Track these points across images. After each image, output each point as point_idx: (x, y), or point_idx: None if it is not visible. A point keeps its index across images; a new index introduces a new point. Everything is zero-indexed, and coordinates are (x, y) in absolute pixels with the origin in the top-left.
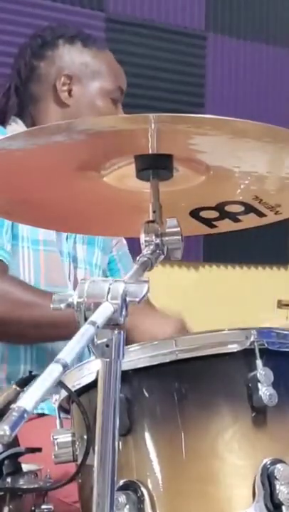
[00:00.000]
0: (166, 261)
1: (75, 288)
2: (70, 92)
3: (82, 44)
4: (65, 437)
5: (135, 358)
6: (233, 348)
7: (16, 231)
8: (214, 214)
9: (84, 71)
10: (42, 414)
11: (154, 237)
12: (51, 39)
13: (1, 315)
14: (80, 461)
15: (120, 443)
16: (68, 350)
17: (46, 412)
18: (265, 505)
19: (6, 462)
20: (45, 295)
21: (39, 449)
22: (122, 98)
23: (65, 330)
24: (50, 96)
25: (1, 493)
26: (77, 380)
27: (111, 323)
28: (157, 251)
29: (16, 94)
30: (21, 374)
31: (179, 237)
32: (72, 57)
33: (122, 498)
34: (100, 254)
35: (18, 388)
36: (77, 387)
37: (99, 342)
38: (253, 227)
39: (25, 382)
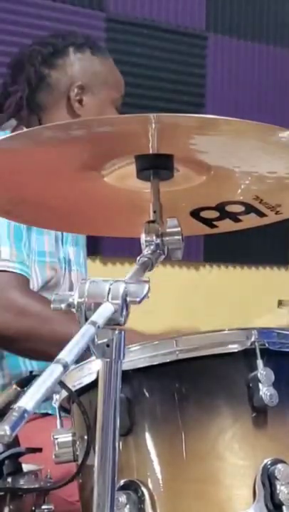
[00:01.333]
0: (166, 261)
1: (70, 291)
2: (81, 101)
3: (91, 52)
4: (66, 437)
5: (135, 358)
6: (234, 348)
7: (29, 243)
8: (215, 214)
9: (94, 80)
10: (45, 414)
11: (154, 237)
12: (62, 47)
13: (24, 330)
14: (80, 461)
15: (121, 443)
16: (68, 351)
17: (50, 411)
18: (266, 506)
19: (6, 462)
20: (66, 312)
21: (39, 449)
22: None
23: None
24: (61, 105)
25: (2, 493)
26: (78, 380)
27: (111, 323)
28: (158, 251)
29: (27, 103)
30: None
31: (180, 237)
32: (83, 66)
33: (122, 498)
34: (82, 253)
35: (18, 388)
36: (78, 387)
37: (99, 342)
38: (254, 227)
39: (25, 383)
